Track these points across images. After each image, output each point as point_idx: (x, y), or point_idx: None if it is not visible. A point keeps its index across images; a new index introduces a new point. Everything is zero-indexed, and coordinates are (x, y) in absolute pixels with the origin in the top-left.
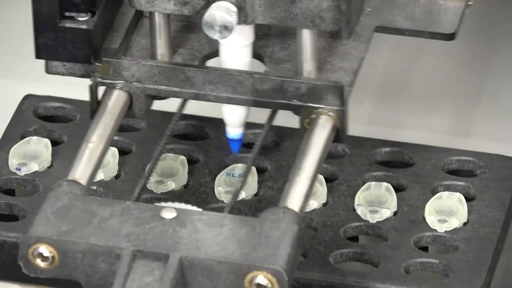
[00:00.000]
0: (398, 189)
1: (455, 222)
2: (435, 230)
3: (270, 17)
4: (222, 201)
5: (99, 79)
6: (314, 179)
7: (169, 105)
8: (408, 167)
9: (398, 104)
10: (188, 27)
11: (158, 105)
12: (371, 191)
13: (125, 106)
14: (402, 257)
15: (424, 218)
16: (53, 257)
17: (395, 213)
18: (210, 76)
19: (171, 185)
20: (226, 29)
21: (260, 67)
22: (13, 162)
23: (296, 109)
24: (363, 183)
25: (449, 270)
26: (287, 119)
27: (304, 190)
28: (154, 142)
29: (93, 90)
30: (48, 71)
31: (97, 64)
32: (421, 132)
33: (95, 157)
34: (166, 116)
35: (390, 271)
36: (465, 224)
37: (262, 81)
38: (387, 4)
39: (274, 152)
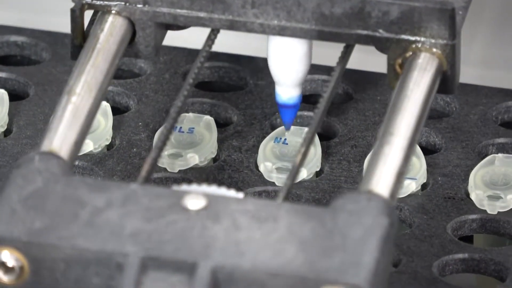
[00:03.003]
0: (428, 150)
1: None
2: (484, 212)
3: None
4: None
5: (86, 0)
6: (410, 150)
7: (188, 39)
8: (443, 117)
9: None
10: None
11: (172, 39)
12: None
13: (124, 40)
14: (433, 251)
15: (467, 194)
16: (21, 267)
17: (423, 186)
18: None
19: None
20: None
21: None
22: None
23: (382, 44)
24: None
25: (504, 270)
26: (364, 60)
27: (396, 167)
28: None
29: (76, 15)
30: None
31: None
32: None
33: (81, 117)
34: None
35: (416, 272)
36: None
37: (332, 2)
38: None
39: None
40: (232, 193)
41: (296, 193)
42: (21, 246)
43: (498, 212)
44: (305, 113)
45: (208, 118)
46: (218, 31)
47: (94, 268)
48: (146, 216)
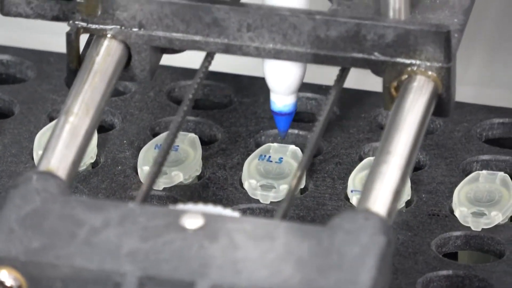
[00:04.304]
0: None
1: (498, 216)
2: (468, 228)
3: None
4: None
5: (82, 23)
6: (408, 169)
7: (172, 57)
8: (427, 134)
9: None
10: None
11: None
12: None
13: (120, 63)
14: (417, 268)
15: (451, 211)
16: (19, 287)
17: (408, 203)
18: (249, 17)
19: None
20: None
21: (324, 4)
22: None
23: (378, 67)
24: (360, 159)
25: (488, 286)
26: (359, 79)
27: (393, 185)
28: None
29: (72, 39)
30: (5, 11)
31: (79, 0)
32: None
33: (78, 137)
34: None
35: None
36: None
37: (328, 25)
38: None
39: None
40: (228, 212)
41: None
42: (19, 266)
43: (482, 228)
44: (290, 130)
45: (193, 135)
46: (213, 55)
47: (92, 287)
48: (143, 235)
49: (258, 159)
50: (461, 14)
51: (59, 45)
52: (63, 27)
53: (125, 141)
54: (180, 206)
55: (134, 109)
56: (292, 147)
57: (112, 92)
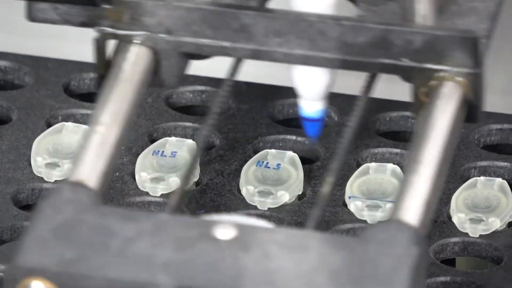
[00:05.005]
0: None
1: (496, 222)
2: (466, 234)
3: None
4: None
5: (109, 29)
6: (439, 179)
7: (208, 66)
8: None
9: None
10: None
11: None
12: (370, 176)
13: (148, 70)
14: None
15: (449, 217)
16: None
17: None
18: (276, 23)
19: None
20: None
21: (350, 10)
22: None
23: (406, 73)
24: (358, 165)
25: None
26: (389, 88)
27: (425, 195)
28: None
29: (99, 45)
30: (31, 17)
31: (105, 6)
32: None
33: (107, 146)
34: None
35: None
36: (510, 224)
37: (355, 31)
38: None
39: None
40: (260, 222)
41: (278, 216)
42: (53, 277)
43: (480, 235)
44: (288, 136)
45: (191, 142)
46: (241, 61)
47: None
48: (176, 246)
49: (256, 165)
50: (488, 20)
51: (57, 51)
52: (61, 32)
53: (122, 148)
54: (213, 217)
55: None
56: (290, 153)
57: (141, 99)
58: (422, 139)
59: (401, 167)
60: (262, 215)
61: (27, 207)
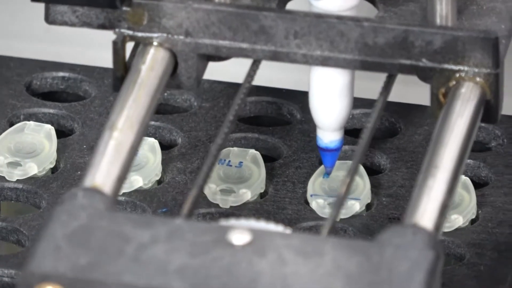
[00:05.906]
0: (373, 170)
1: (458, 220)
2: None
3: None
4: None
5: (128, 32)
6: (455, 183)
7: (226, 70)
8: (388, 137)
9: None
10: None
11: (210, 71)
12: (331, 174)
13: (166, 72)
14: None
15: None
16: None
17: (368, 207)
18: (296, 25)
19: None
20: None
21: (370, 11)
22: None
23: (426, 73)
24: (320, 163)
25: None
26: (406, 90)
27: (440, 199)
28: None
29: (118, 47)
30: (50, 19)
31: (125, 9)
32: None
33: (123, 152)
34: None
35: None
36: (473, 221)
37: (376, 32)
38: None
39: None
40: (274, 227)
41: (240, 214)
42: (67, 282)
43: (443, 232)
44: (250, 134)
45: (152, 140)
46: (259, 63)
47: None
48: (191, 251)
49: (218, 163)
50: (508, 20)
51: (19, 50)
52: (22, 32)
53: (84, 146)
54: (227, 222)
55: (94, 114)
56: (252, 151)
57: (158, 104)
58: (440, 142)
59: (363, 165)
60: (224, 213)
61: None
